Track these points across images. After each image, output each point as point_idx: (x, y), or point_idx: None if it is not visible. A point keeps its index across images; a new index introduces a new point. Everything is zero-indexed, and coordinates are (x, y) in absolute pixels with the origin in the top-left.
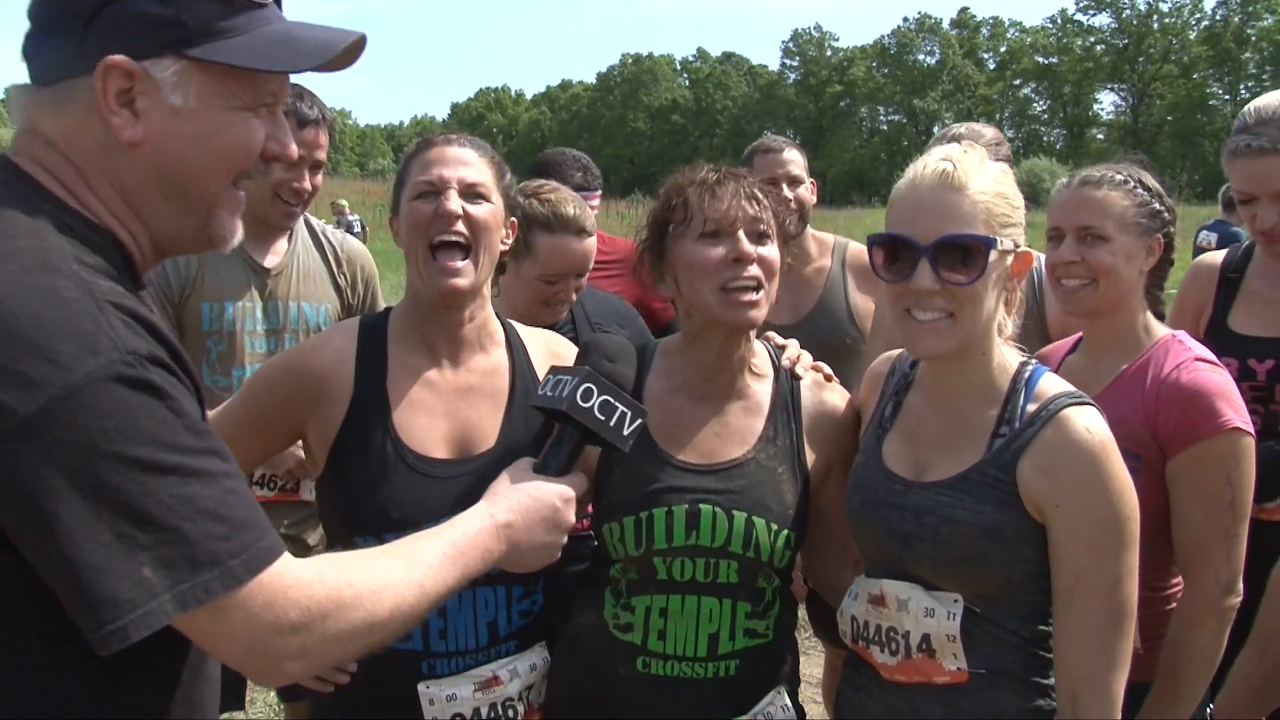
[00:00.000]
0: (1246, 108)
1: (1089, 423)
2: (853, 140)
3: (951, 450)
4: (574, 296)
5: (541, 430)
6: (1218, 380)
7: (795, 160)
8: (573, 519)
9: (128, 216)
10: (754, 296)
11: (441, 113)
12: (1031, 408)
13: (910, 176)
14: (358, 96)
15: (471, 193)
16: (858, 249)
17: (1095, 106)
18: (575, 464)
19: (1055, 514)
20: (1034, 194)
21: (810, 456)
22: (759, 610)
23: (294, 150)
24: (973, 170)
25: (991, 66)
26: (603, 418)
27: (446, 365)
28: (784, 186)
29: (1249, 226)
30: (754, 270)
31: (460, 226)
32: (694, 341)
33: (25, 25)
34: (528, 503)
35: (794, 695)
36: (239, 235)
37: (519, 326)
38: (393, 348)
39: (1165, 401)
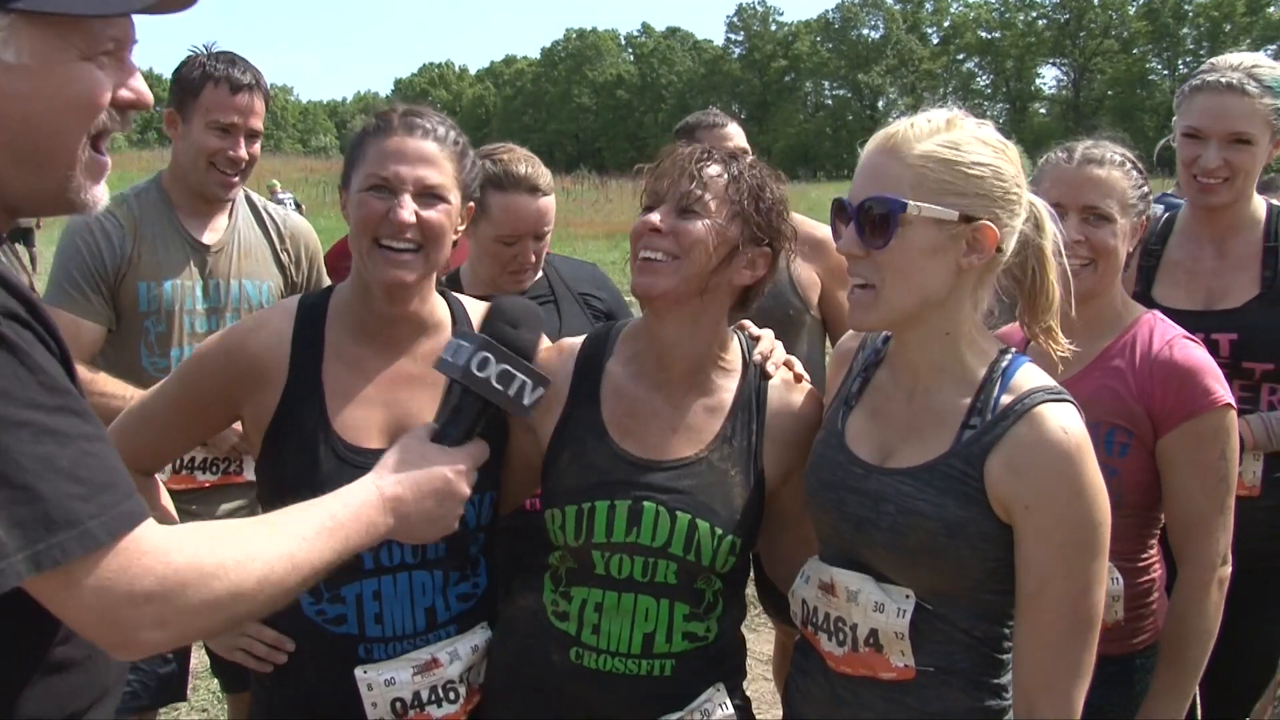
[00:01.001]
0: (1214, 58)
1: (1065, 422)
2: (797, 115)
3: (918, 436)
4: (533, 259)
5: (445, 395)
6: (1204, 357)
7: (736, 134)
8: (466, 490)
9: None
10: (657, 263)
11: (385, 88)
12: (1005, 400)
13: None
14: (300, 72)
15: (428, 194)
16: (798, 219)
17: (1038, 81)
18: (475, 432)
19: (1024, 515)
20: None
21: (768, 459)
22: (698, 612)
23: (148, 96)
24: (921, 135)
25: (935, 41)
26: (500, 387)
27: (386, 353)
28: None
29: (1183, 174)
30: (658, 242)
31: (411, 234)
32: (645, 324)
33: None
34: (418, 475)
35: (736, 690)
36: (104, 200)
37: (470, 305)
38: (330, 333)
39: (1159, 378)
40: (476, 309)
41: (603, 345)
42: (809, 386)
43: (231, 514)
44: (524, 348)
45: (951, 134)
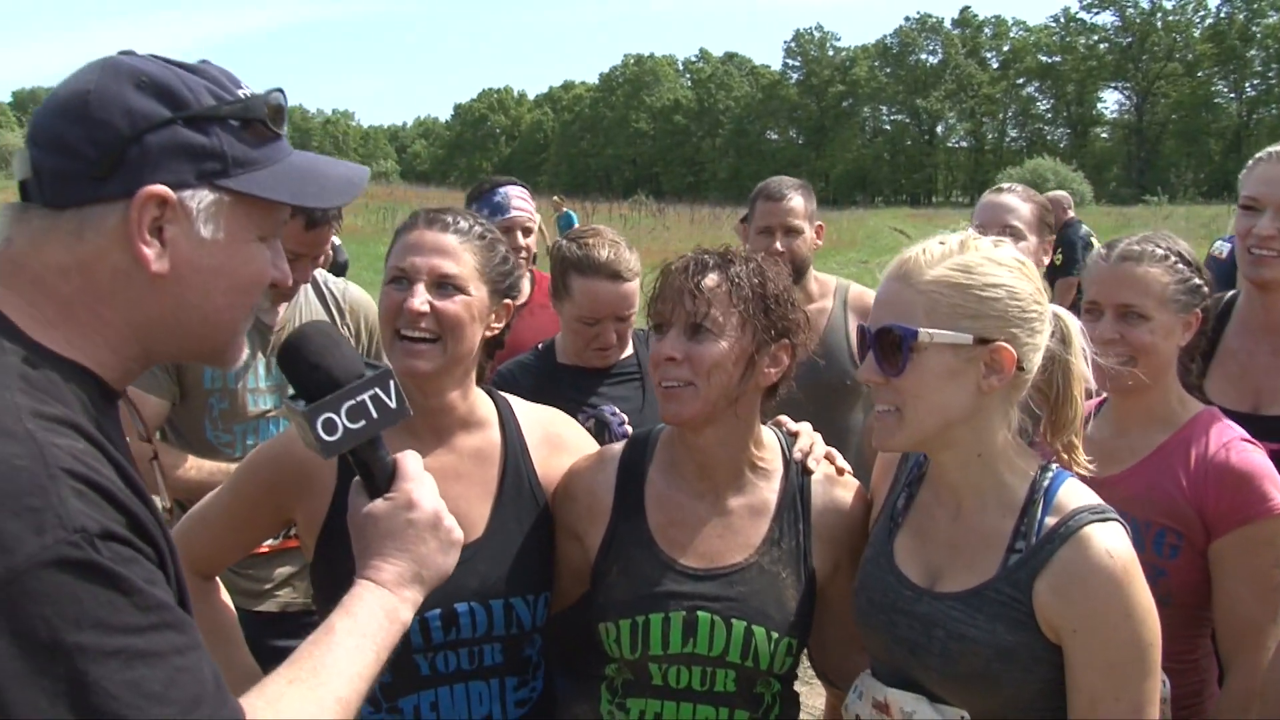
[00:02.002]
0: None
1: (1111, 545)
2: (855, 140)
3: (964, 559)
4: (614, 340)
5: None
6: (1264, 462)
7: (796, 209)
8: (429, 506)
9: (126, 344)
10: (677, 390)
11: (445, 113)
12: (1050, 521)
13: None
14: (361, 97)
15: (445, 284)
16: (859, 291)
17: (1099, 105)
18: (388, 458)
19: (1072, 639)
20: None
21: (817, 557)
22: (757, 716)
23: (290, 278)
24: (933, 261)
25: (994, 66)
26: (364, 422)
27: (432, 448)
28: (778, 236)
29: (1239, 249)
30: (677, 371)
31: (425, 323)
32: (679, 437)
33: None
34: (390, 543)
35: None
36: (245, 354)
37: (518, 404)
38: None
39: (1214, 481)
40: (524, 410)
41: (643, 452)
42: (853, 480)
43: (288, 579)
44: (338, 372)
45: (964, 257)
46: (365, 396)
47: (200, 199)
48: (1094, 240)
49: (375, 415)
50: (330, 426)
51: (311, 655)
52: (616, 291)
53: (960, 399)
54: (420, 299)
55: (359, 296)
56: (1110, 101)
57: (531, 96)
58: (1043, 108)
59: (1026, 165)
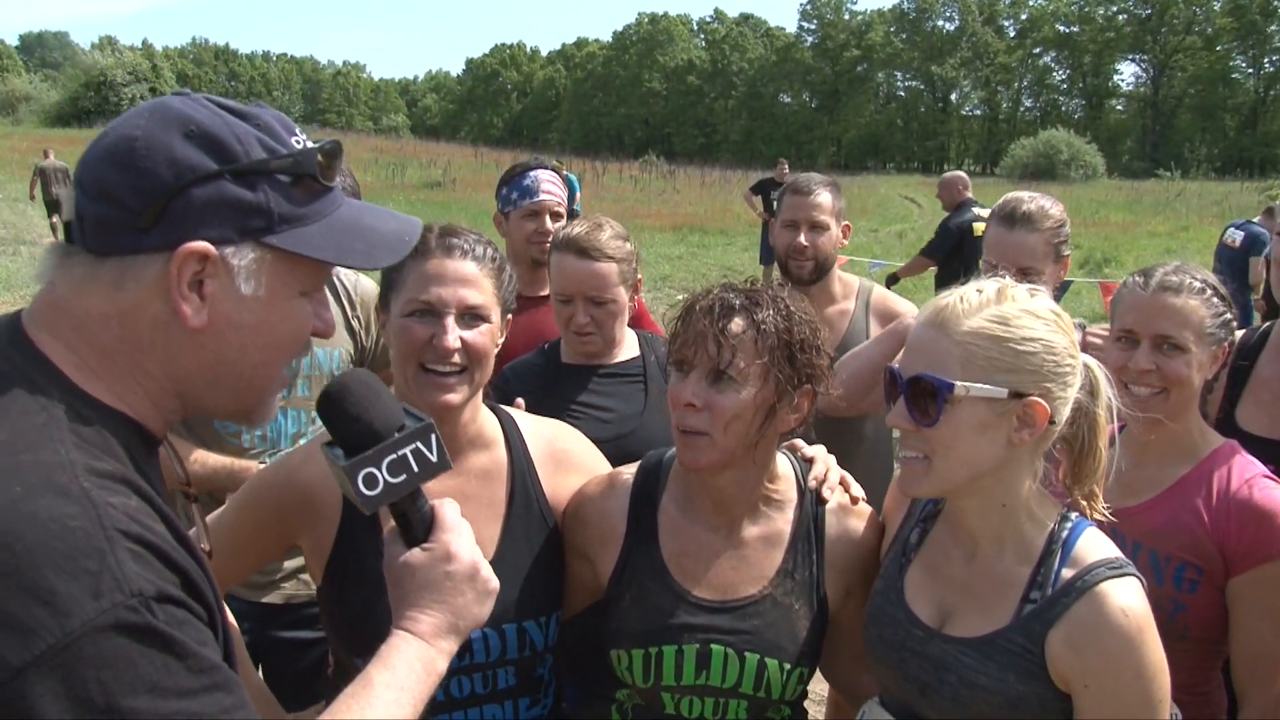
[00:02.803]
0: None
1: (1126, 603)
2: (869, 106)
3: (978, 603)
4: (586, 322)
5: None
6: None
7: (823, 205)
8: (467, 557)
9: (165, 397)
10: (695, 440)
11: (456, 68)
12: (1067, 574)
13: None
14: (372, 50)
15: (471, 315)
16: (882, 294)
17: (1115, 77)
18: (426, 509)
19: (1084, 693)
20: (1050, 166)
21: (830, 585)
22: None
23: (333, 328)
24: (970, 310)
25: (1011, 34)
26: (405, 477)
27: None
28: (803, 231)
29: (1274, 274)
30: (694, 420)
31: (457, 357)
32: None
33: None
34: (428, 594)
35: None
36: (275, 412)
37: (522, 419)
38: None
39: (1236, 518)
40: (528, 426)
41: (655, 479)
42: (867, 509)
43: (293, 572)
44: (379, 426)
45: (1002, 308)
46: (407, 451)
47: (242, 256)
48: (976, 225)
49: (416, 469)
50: (371, 481)
51: (350, 709)
52: (584, 268)
53: (990, 451)
54: (453, 335)
55: (370, 289)
56: (1127, 74)
57: (544, 53)
58: (1058, 78)
59: (1040, 136)
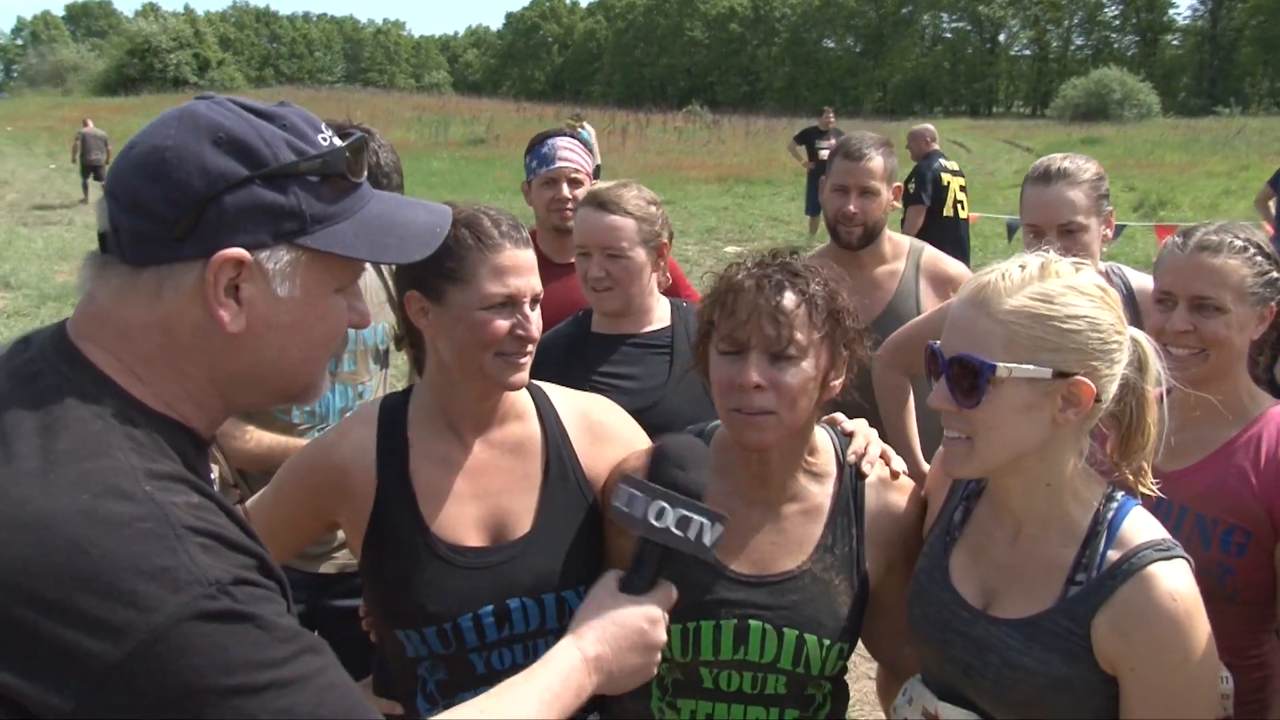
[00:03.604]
0: None
1: (1174, 586)
2: (914, 49)
3: (1022, 585)
4: (602, 275)
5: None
6: None
7: (875, 170)
8: (663, 637)
9: (209, 398)
10: (761, 420)
11: (496, 22)
12: (1113, 555)
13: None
14: (412, 6)
15: (535, 301)
16: (933, 255)
17: (1171, 11)
18: (660, 576)
19: (1130, 676)
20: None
21: (870, 560)
22: (808, 715)
23: (370, 319)
24: (1013, 288)
25: None
26: (680, 533)
27: (472, 445)
28: (853, 197)
29: None
30: (761, 400)
31: (530, 344)
32: (734, 447)
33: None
34: (615, 630)
35: None
36: (324, 391)
37: (554, 392)
38: (414, 432)
39: None
40: (561, 398)
41: None
42: (907, 483)
43: (346, 542)
44: (695, 489)
45: (1045, 285)
46: (697, 518)
47: (277, 259)
48: (942, 175)
49: (688, 538)
50: (660, 514)
51: (511, 694)
52: (600, 220)
53: (1035, 431)
54: (535, 324)
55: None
56: (1183, 6)
57: (584, 4)
58: (1111, 14)
59: (1091, 75)
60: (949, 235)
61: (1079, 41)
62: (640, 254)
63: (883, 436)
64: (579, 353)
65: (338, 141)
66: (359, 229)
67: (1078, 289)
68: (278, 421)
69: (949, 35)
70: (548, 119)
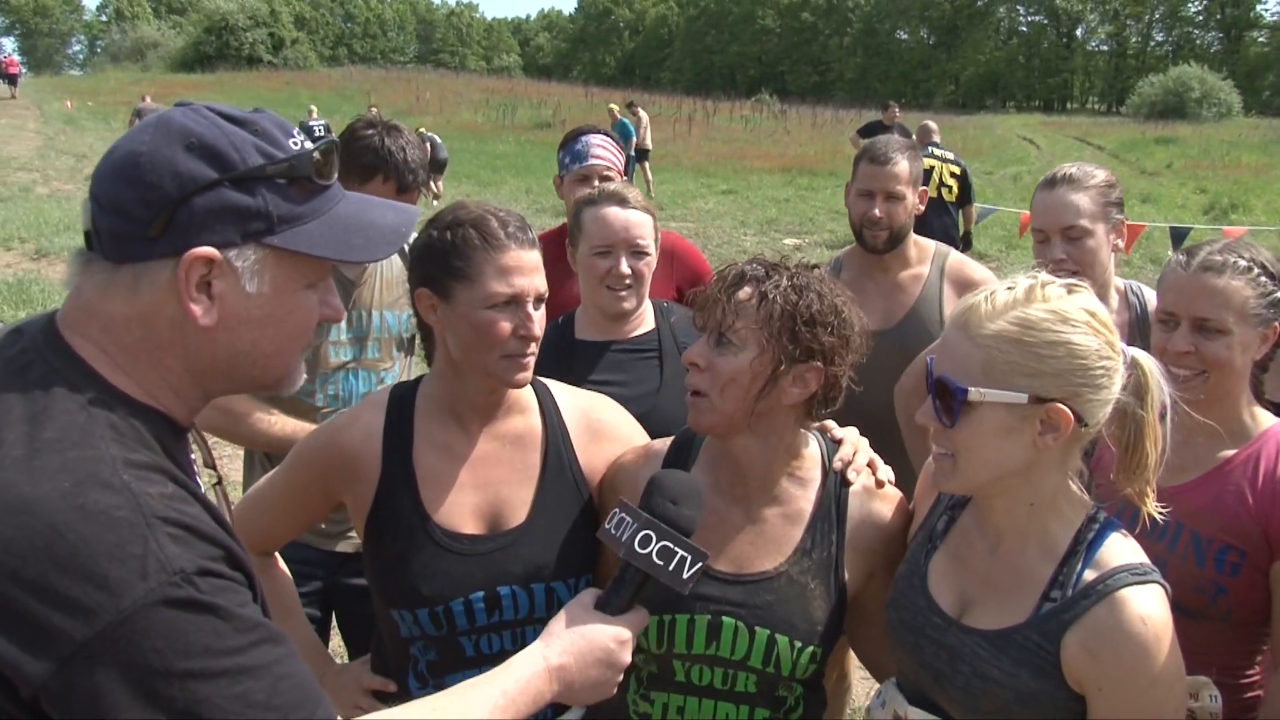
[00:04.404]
0: None
1: (1146, 610)
2: (988, 42)
3: (998, 596)
4: (628, 273)
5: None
6: None
7: (900, 174)
8: (627, 659)
9: (187, 387)
10: (694, 399)
11: (568, 6)
12: (1089, 576)
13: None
14: None
15: (539, 301)
16: (958, 260)
17: (1258, 6)
18: (637, 600)
19: (1097, 696)
20: (1180, 104)
21: (850, 568)
22: (778, 715)
23: (342, 313)
24: (995, 312)
25: None
26: (661, 563)
27: (475, 435)
28: (878, 202)
29: None
30: (695, 379)
31: (534, 344)
32: (715, 440)
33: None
34: (582, 645)
35: None
36: (304, 377)
37: (558, 390)
38: (420, 421)
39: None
40: (564, 395)
41: (687, 452)
42: (893, 492)
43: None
44: (684, 525)
45: (1027, 310)
46: (680, 551)
47: (245, 257)
48: (926, 160)
49: (666, 567)
50: (645, 541)
51: (464, 692)
52: (625, 216)
53: (1014, 454)
54: (538, 323)
55: None
56: (1271, 3)
57: None
58: (1194, 9)
59: (1170, 73)
60: (933, 215)
61: (1159, 37)
62: (655, 250)
63: (900, 460)
64: (566, 361)
65: (308, 145)
66: (326, 229)
67: (1061, 314)
68: (302, 405)
69: (1024, 29)
70: (616, 104)
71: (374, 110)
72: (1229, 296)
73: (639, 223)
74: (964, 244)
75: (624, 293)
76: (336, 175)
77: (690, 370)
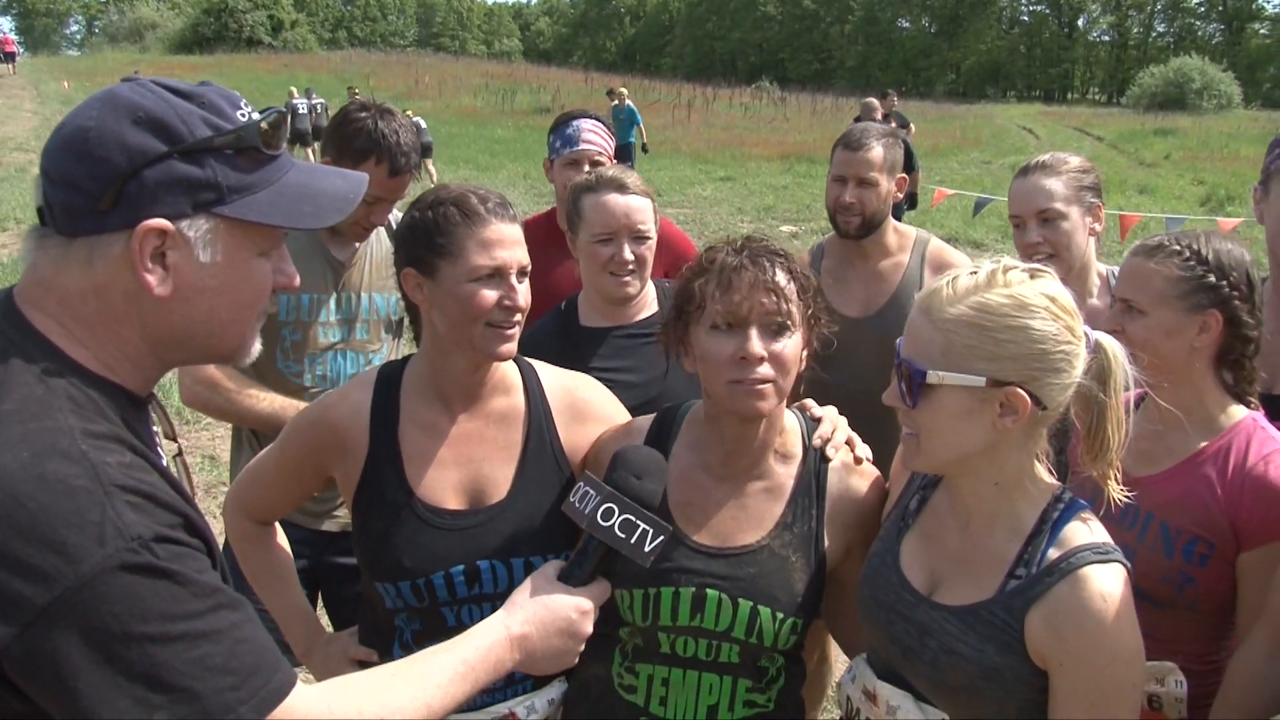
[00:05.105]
0: None
1: (1107, 587)
2: (990, 31)
3: (966, 573)
4: (630, 259)
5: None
6: None
7: (873, 160)
8: (589, 629)
9: (144, 357)
10: (764, 388)
11: None
12: (1053, 554)
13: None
14: None
15: (522, 274)
16: (939, 247)
17: None
18: (599, 573)
19: (1058, 671)
20: (1181, 95)
21: (829, 541)
22: (760, 685)
23: (296, 279)
24: (955, 297)
25: None
26: (623, 536)
27: (459, 414)
28: (849, 187)
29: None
30: (763, 370)
31: (518, 315)
32: (713, 422)
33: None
34: (544, 614)
35: None
36: (258, 348)
37: (542, 369)
38: (406, 399)
39: (1250, 493)
40: (548, 376)
41: (669, 428)
42: (870, 469)
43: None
44: (647, 499)
45: (988, 295)
46: (642, 525)
47: (197, 227)
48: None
49: (628, 540)
50: (608, 514)
51: (428, 660)
52: (626, 202)
53: (975, 435)
54: (522, 294)
55: None
56: None
57: None
58: (1195, 1)
59: (1170, 64)
60: None
61: (1160, 28)
62: (654, 234)
63: (878, 440)
64: (570, 349)
65: (254, 116)
66: (276, 198)
67: (1020, 300)
68: (291, 385)
69: (1026, 18)
70: (616, 89)
71: (355, 93)
72: (1148, 279)
73: (639, 208)
74: (909, 204)
75: (627, 278)
76: (285, 144)
77: (753, 364)
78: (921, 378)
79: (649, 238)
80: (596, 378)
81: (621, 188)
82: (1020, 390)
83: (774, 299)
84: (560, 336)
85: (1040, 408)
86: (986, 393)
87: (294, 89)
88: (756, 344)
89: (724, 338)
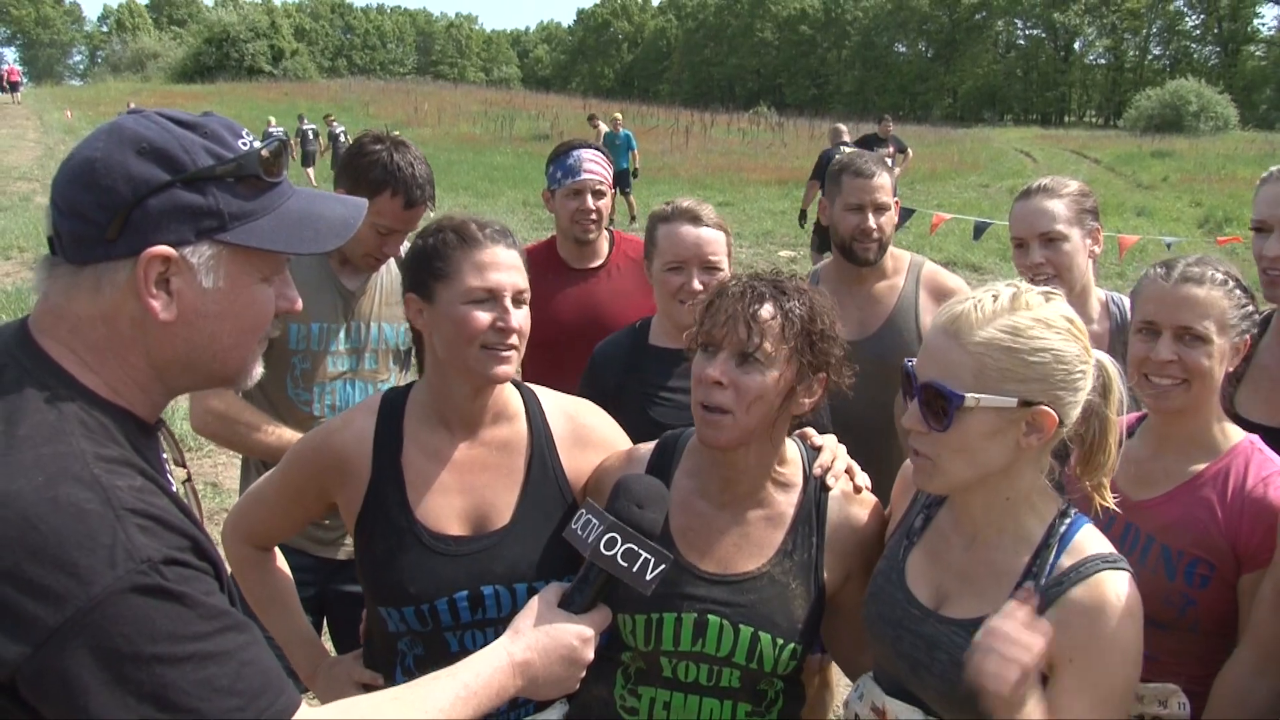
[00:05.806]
0: None
1: (1122, 590)
2: (986, 55)
3: (974, 587)
4: (699, 289)
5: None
6: None
7: (885, 186)
8: (590, 656)
9: (151, 383)
10: (718, 418)
11: (568, 18)
12: (1065, 562)
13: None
14: (484, 1)
15: (519, 299)
16: (933, 270)
17: (1255, 21)
18: (600, 600)
19: (1066, 667)
20: (1177, 118)
21: (829, 569)
22: (760, 709)
23: (299, 304)
24: (984, 320)
25: None
26: (626, 565)
27: (461, 441)
28: (869, 215)
29: (1259, 267)
30: (718, 397)
31: (515, 336)
32: (707, 449)
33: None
34: (546, 641)
35: None
36: (260, 371)
37: (545, 396)
38: (409, 425)
39: (1250, 516)
40: (551, 402)
41: (671, 455)
42: (869, 498)
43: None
44: (648, 528)
45: (1014, 317)
46: (645, 554)
47: (200, 253)
48: (837, 157)
49: (630, 569)
50: (611, 543)
51: (430, 684)
52: (698, 233)
53: (998, 455)
54: (515, 317)
55: None
56: (1269, 17)
57: (655, 2)
58: (1191, 24)
59: (1167, 86)
60: None
61: (1156, 51)
62: (728, 266)
63: (877, 467)
64: (636, 367)
65: (256, 145)
66: (277, 224)
67: (1045, 321)
68: (300, 413)
69: (1022, 42)
70: (606, 116)
71: (332, 121)
72: (1209, 306)
73: (711, 239)
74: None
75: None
76: (286, 172)
77: (710, 387)
78: (959, 401)
79: (720, 269)
80: (662, 398)
81: (695, 219)
82: (1048, 409)
83: (747, 330)
84: (628, 352)
85: (1060, 425)
86: (1016, 413)
87: (272, 118)
88: (717, 367)
89: (702, 358)
